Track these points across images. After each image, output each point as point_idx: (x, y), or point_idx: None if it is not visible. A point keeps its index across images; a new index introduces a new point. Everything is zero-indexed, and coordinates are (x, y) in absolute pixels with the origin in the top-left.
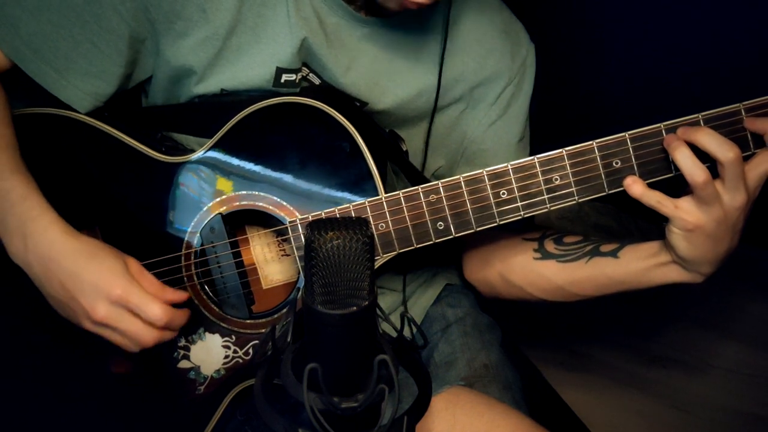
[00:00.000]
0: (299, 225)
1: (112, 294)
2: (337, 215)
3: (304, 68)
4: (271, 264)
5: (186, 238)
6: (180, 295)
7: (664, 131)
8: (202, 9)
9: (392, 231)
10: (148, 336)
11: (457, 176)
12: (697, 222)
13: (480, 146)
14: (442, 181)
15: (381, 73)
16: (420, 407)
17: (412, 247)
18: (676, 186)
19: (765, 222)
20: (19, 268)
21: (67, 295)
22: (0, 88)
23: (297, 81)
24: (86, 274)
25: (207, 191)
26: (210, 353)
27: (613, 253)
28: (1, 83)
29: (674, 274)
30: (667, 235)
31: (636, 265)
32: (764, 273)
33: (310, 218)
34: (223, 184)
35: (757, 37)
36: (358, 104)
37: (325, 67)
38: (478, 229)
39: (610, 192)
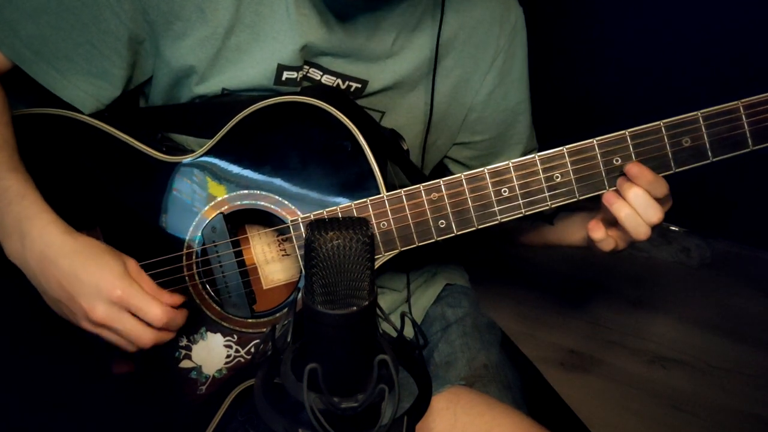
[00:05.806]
0: (301, 224)
1: (113, 295)
2: (339, 214)
3: (305, 66)
4: (271, 264)
5: (187, 237)
6: (176, 298)
7: (663, 129)
8: (200, 9)
9: (394, 229)
10: (146, 337)
11: (459, 174)
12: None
13: (481, 114)
14: (444, 179)
15: (379, 51)
16: (420, 407)
17: (414, 246)
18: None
19: (765, 222)
20: (17, 268)
21: (65, 295)
22: (0, 88)
23: (298, 80)
24: (85, 275)
25: (207, 191)
26: (212, 353)
27: (550, 220)
28: (1, 84)
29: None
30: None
31: (571, 236)
32: (764, 273)
33: (312, 217)
34: (223, 185)
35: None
36: (359, 86)
37: (329, 59)
38: (480, 226)
39: (611, 189)
